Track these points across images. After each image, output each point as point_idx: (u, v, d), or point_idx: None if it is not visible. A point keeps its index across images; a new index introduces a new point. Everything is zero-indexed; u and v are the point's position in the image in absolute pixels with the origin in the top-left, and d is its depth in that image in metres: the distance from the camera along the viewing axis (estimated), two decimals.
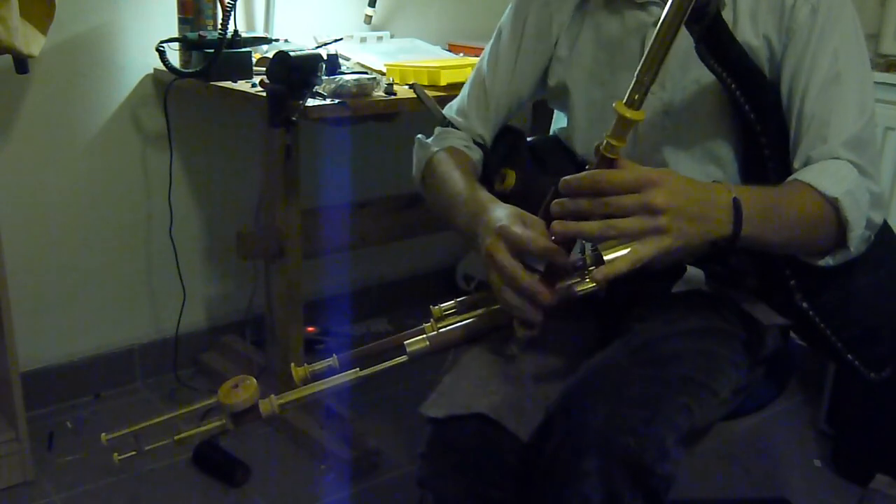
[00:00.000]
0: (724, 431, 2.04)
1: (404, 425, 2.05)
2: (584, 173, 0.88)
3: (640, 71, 0.87)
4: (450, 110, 1.31)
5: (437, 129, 1.29)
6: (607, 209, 0.86)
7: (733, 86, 1.06)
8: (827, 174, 1.00)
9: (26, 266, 2.00)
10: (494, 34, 1.28)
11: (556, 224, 0.89)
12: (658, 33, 0.87)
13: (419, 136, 1.28)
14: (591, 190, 0.87)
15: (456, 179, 1.15)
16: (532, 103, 1.30)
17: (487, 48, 1.28)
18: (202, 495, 1.81)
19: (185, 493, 1.81)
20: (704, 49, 1.05)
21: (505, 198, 1.09)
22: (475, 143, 1.26)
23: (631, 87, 0.87)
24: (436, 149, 1.23)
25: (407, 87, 1.35)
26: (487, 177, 1.23)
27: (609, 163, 0.88)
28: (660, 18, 0.87)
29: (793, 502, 1.83)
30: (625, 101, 0.87)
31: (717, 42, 1.05)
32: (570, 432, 0.93)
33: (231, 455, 1.88)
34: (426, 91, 1.37)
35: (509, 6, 1.26)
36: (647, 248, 0.86)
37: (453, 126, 1.28)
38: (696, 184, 0.92)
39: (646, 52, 0.87)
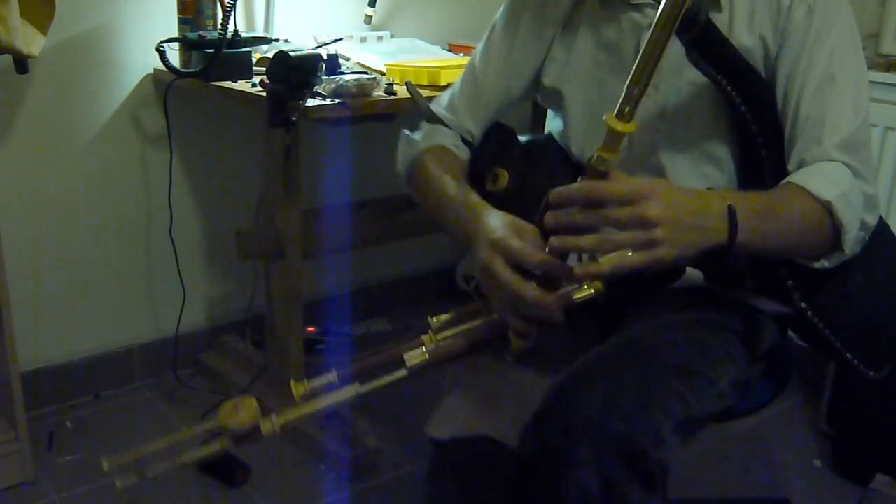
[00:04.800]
0: (724, 431, 2.05)
1: (404, 425, 2.04)
2: (575, 185, 0.88)
3: (629, 83, 0.86)
4: (438, 105, 1.28)
5: (425, 126, 1.26)
6: (602, 221, 0.86)
7: (729, 87, 1.06)
8: (820, 177, 1.00)
9: (26, 266, 2.00)
10: (488, 31, 1.26)
11: (553, 240, 0.89)
12: (646, 47, 0.86)
13: (404, 130, 1.26)
14: (583, 202, 0.87)
15: (446, 181, 1.13)
16: (530, 102, 1.28)
17: (480, 45, 1.27)
18: (202, 495, 1.81)
19: (185, 492, 1.81)
20: (697, 56, 1.05)
21: (498, 198, 1.08)
22: (463, 140, 1.24)
23: (621, 99, 0.87)
24: (423, 146, 1.21)
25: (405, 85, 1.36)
26: (476, 175, 1.19)
27: (600, 175, 0.88)
28: (653, 20, 0.87)
29: (793, 502, 1.83)
30: (615, 112, 0.87)
31: (709, 47, 1.05)
32: (564, 421, 0.93)
33: (231, 455, 1.88)
34: (419, 90, 1.33)
35: (504, 3, 1.25)
36: (639, 258, 0.86)
37: (442, 123, 1.25)
38: (691, 192, 0.92)
39: (635, 65, 0.86)
